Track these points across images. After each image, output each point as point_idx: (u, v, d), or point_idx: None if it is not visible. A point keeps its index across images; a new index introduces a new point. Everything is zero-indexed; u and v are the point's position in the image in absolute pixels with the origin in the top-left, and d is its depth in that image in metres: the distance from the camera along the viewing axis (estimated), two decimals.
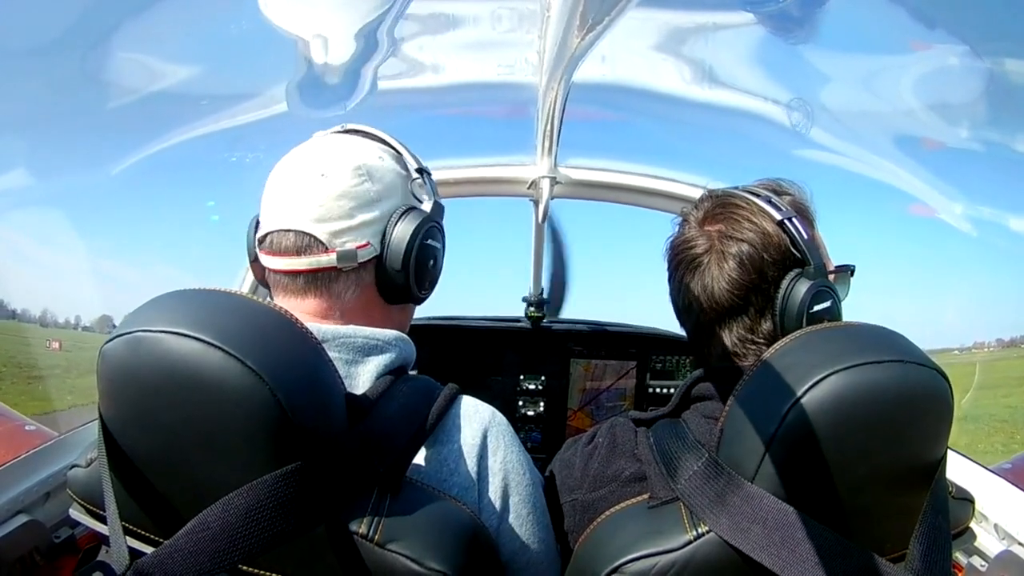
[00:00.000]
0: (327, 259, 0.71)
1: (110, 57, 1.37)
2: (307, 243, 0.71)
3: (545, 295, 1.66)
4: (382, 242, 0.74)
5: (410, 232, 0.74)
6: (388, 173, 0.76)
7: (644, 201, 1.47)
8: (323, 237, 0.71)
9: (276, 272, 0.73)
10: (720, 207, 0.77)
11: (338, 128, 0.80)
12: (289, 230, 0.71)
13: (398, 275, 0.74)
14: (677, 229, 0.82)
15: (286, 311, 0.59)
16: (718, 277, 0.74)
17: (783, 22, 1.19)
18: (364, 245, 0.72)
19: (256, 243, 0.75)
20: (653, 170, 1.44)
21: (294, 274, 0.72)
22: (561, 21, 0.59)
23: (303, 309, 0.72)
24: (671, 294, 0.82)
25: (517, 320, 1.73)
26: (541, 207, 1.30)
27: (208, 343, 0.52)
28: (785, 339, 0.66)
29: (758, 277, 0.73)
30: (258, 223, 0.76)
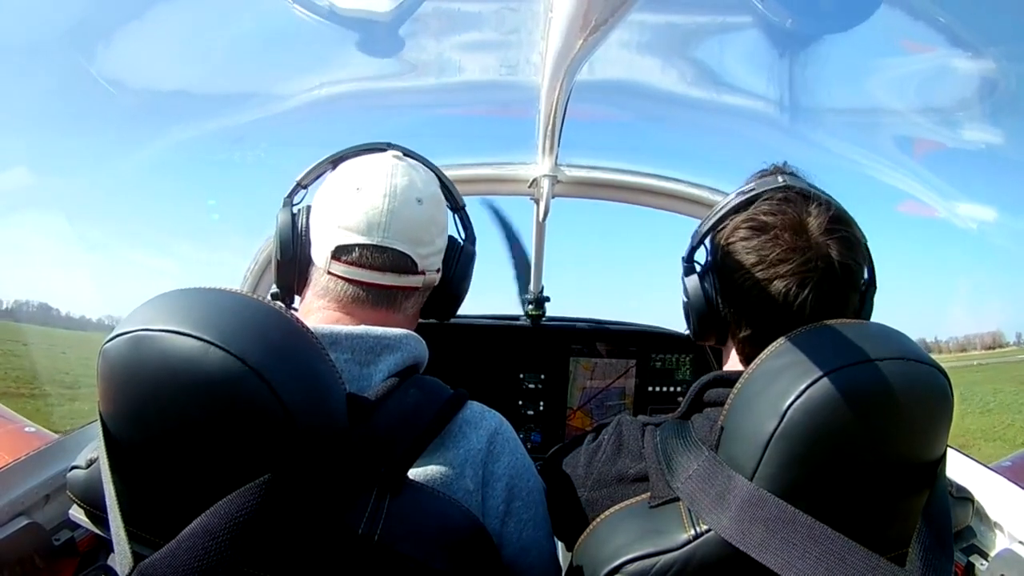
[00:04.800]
0: (414, 280, 0.77)
1: (110, 56, 1.36)
2: (403, 263, 0.76)
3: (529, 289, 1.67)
4: (446, 269, 0.83)
5: (471, 266, 0.88)
6: (444, 202, 0.84)
7: (645, 200, 1.47)
8: (417, 260, 0.76)
9: (354, 283, 0.74)
10: (839, 223, 0.72)
11: (398, 152, 0.83)
12: (388, 248, 0.74)
13: (452, 302, 0.86)
14: (758, 222, 0.73)
15: (286, 310, 0.59)
16: (830, 293, 0.71)
17: (788, 27, 1.20)
18: (438, 271, 0.81)
19: (330, 253, 0.74)
20: (654, 169, 1.44)
21: (376, 288, 0.75)
22: (564, 22, 0.58)
23: (365, 320, 0.74)
24: (735, 285, 0.74)
25: (516, 318, 1.73)
26: (542, 206, 1.30)
27: (208, 342, 0.52)
28: (784, 337, 0.66)
29: (858, 298, 0.76)
30: (307, 226, 0.79)
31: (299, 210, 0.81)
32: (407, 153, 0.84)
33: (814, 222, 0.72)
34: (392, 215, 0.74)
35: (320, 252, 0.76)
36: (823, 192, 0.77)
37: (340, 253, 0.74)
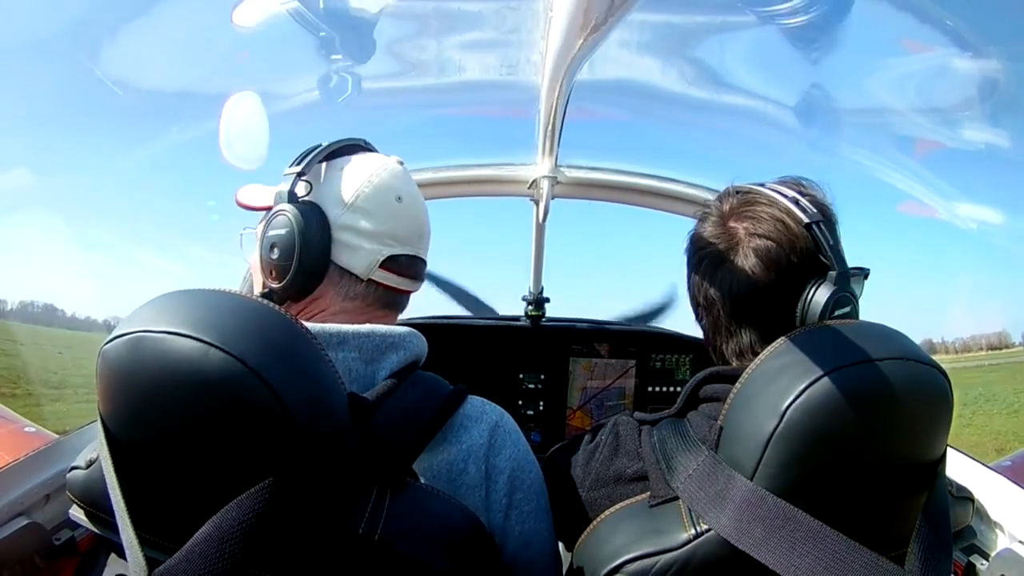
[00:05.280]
0: (421, 284, 0.84)
1: (113, 57, 1.37)
2: (424, 271, 0.83)
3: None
4: None
5: None
6: None
7: (644, 201, 1.47)
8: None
9: (391, 290, 0.78)
10: (746, 204, 0.76)
11: (398, 158, 0.84)
12: (420, 257, 0.81)
13: None
14: (699, 224, 0.81)
15: (286, 312, 0.59)
16: (741, 275, 0.73)
17: (788, 27, 1.20)
18: None
19: (379, 262, 0.75)
20: (654, 170, 1.44)
21: (406, 294, 0.81)
22: (564, 22, 0.59)
23: (375, 319, 0.77)
24: (689, 289, 0.82)
25: (516, 319, 1.73)
26: (541, 207, 1.30)
27: (208, 343, 0.52)
28: (784, 337, 0.66)
29: (781, 279, 0.72)
30: (327, 226, 0.73)
31: (309, 207, 0.74)
32: (371, 148, 0.85)
33: (727, 209, 0.78)
34: (424, 226, 0.81)
35: (362, 258, 0.74)
36: (806, 196, 0.75)
37: (390, 262, 0.76)
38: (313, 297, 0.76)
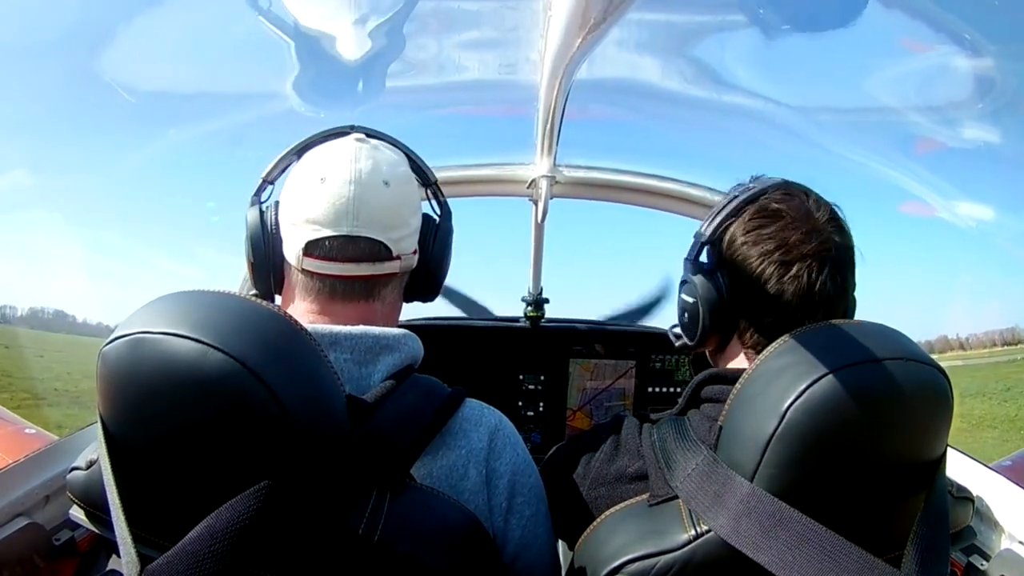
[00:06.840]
0: (390, 266, 0.74)
1: (109, 57, 1.37)
2: (376, 250, 0.73)
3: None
4: (423, 248, 0.80)
5: (448, 242, 0.84)
6: (415, 180, 0.81)
7: (643, 201, 1.46)
8: (390, 245, 0.73)
9: (330, 277, 0.72)
10: (834, 213, 0.75)
11: (360, 134, 0.78)
12: (358, 237, 0.71)
13: (432, 280, 0.83)
14: (766, 219, 0.74)
15: (286, 313, 0.59)
16: (822, 280, 0.71)
17: (785, 22, 1.20)
18: (414, 252, 0.79)
19: (302, 249, 0.71)
20: (653, 170, 1.44)
21: (352, 280, 0.73)
22: (563, 21, 0.59)
23: (347, 315, 0.73)
24: (749, 279, 0.74)
25: (516, 320, 1.73)
26: (540, 207, 1.30)
27: (207, 344, 0.52)
28: (784, 337, 0.66)
29: (844, 289, 0.74)
30: (277, 223, 0.75)
31: (267, 207, 0.77)
32: (371, 134, 0.80)
33: (815, 209, 0.74)
34: (359, 202, 0.71)
35: (292, 249, 0.72)
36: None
37: (311, 248, 0.71)
38: (284, 300, 0.77)
